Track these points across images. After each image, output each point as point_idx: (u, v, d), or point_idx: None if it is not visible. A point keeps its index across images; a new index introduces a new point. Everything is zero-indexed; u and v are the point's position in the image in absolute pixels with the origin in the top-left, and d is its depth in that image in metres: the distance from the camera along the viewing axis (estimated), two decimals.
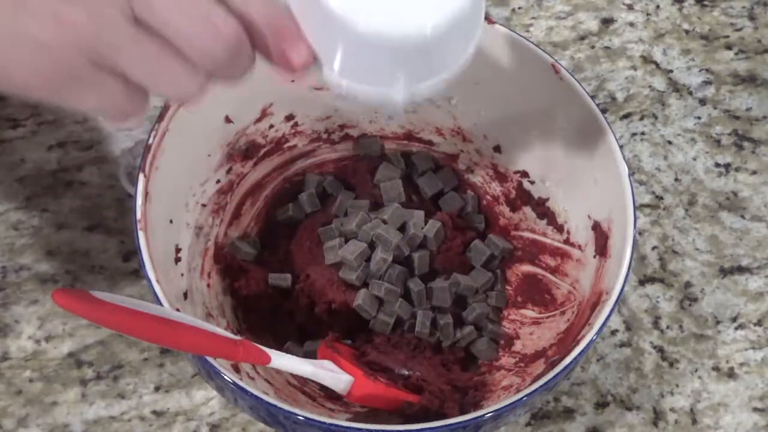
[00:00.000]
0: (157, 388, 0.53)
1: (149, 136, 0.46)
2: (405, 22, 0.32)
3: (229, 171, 0.54)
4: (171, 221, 0.49)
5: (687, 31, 0.71)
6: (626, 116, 0.66)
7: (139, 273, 0.57)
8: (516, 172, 0.56)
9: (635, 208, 0.46)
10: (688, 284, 0.59)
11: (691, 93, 0.67)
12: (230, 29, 0.32)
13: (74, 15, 0.30)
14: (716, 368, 0.56)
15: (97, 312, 0.36)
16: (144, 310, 0.38)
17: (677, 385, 0.55)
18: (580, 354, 0.41)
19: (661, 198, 0.62)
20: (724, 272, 0.60)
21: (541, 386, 0.40)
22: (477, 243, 0.55)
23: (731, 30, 0.71)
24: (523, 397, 0.40)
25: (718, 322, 0.58)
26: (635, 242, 0.45)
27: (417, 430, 0.39)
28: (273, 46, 0.34)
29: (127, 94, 0.33)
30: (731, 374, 0.56)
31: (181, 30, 0.32)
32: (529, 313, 0.54)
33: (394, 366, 0.50)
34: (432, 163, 0.59)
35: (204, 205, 0.53)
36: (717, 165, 0.64)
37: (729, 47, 0.70)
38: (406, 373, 0.50)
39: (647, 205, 0.62)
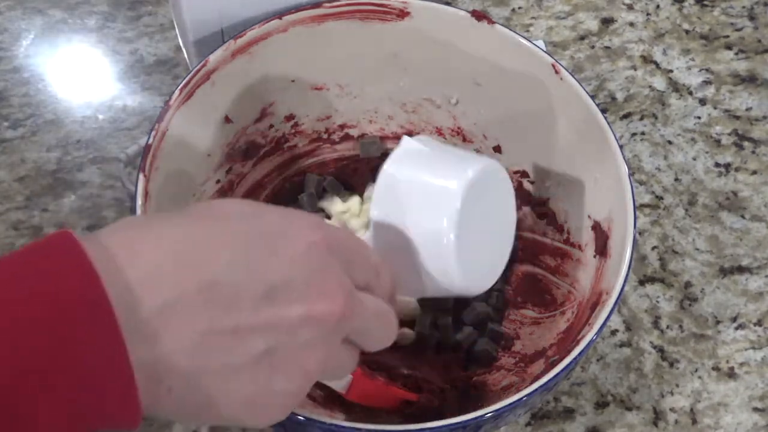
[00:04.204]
0: None
1: (149, 136, 0.46)
2: (483, 284, 0.45)
3: (229, 171, 0.54)
4: None
5: (687, 31, 0.71)
6: (626, 116, 0.66)
7: None
8: (516, 172, 0.56)
9: (635, 208, 0.46)
10: (688, 284, 0.59)
11: (691, 93, 0.68)
12: (397, 322, 0.38)
13: (314, 363, 0.33)
14: (716, 368, 0.56)
15: None
16: None
17: (677, 385, 0.55)
18: (580, 354, 0.41)
19: (661, 198, 0.62)
20: (724, 272, 0.59)
21: (541, 386, 0.40)
22: None
23: (731, 30, 0.71)
24: (523, 397, 0.40)
25: (718, 322, 0.57)
26: (635, 242, 0.45)
27: (417, 430, 0.39)
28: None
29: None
30: (731, 374, 0.56)
31: (374, 341, 0.37)
32: (529, 313, 0.54)
33: (394, 365, 0.50)
34: None
35: None
36: (717, 165, 0.64)
37: (729, 47, 0.70)
38: (406, 372, 0.50)
39: (647, 205, 0.62)
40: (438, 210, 0.41)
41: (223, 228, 0.32)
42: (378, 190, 0.43)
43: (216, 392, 0.31)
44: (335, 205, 0.57)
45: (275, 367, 0.32)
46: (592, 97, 0.50)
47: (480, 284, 0.44)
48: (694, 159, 0.64)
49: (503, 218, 0.46)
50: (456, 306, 0.54)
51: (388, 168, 0.43)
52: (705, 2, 0.73)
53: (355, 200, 0.57)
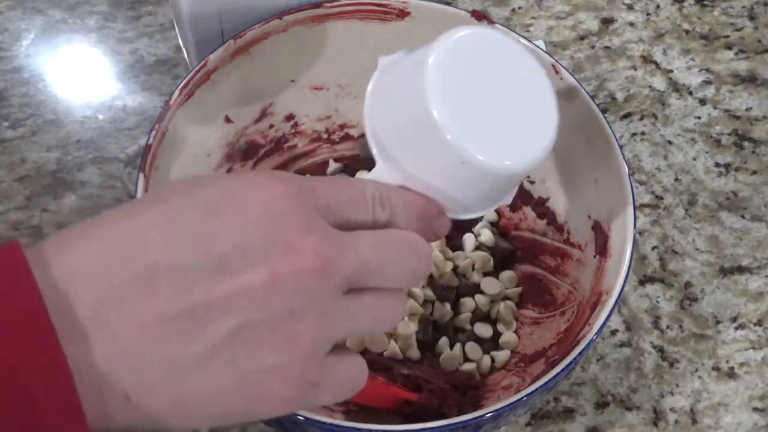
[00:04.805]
0: None
1: (149, 136, 0.46)
2: (525, 156, 0.36)
3: (229, 171, 0.54)
4: None
5: (687, 31, 0.71)
6: (626, 116, 0.66)
7: None
8: None
9: (635, 208, 0.46)
10: (688, 284, 0.59)
11: (691, 93, 0.67)
12: (427, 246, 0.33)
13: (305, 330, 0.29)
14: (716, 368, 0.56)
15: None
16: None
17: (677, 385, 0.55)
18: (580, 354, 0.41)
19: (661, 198, 0.62)
20: (724, 272, 0.59)
21: (541, 386, 0.40)
22: None
23: (731, 30, 0.71)
24: (523, 397, 0.40)
25: (718, 322, 0.57)
26: (635, 242, 0.45)
27: (417, 430, 0.39)
28: (426, 230, 0.35)
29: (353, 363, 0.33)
30: (731, 374, 0.56)
31: (399, 276, 0.32)
32: (529, 313, 0.54)
33: (393, 365, 0.50)
34: None
35: None
36: (717, 165, 0.64)
37: (729, 47, 0.70)
38: (406, 372, 0.50)
39: (647, 205, 0.62)
40: (416, 92, 0.34)
41: (159, 209, 0.28)
42: (366, 107, 0.38)
43: (190, 387, 0.27)
44: None
45: (254, 343, 0.28)
46: (592, 97, 0.50)
47: (515, 158, 0.36)
48: (694, 159, 0.64)
49: (526, 86, 0.38)
50: (454, 306, 0.54)
51: (369, 85, 0.39)
52: (705, 2, 0.73)
53: (365, 176, 0.57)
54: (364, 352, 0.51)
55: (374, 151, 0.37)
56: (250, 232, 0.28)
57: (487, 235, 0.56)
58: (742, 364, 0.56)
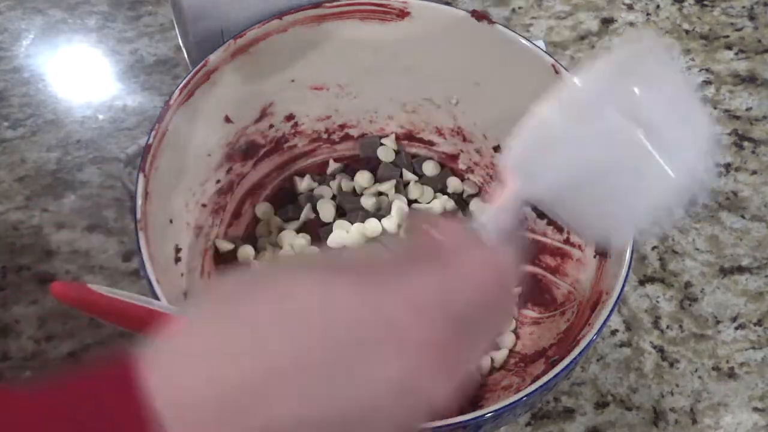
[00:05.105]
0: None
1: (149, 136, 0.46)
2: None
3: (229, 171, 0.54)
4: (171, 221, 0.49)
5: (687, 31, 0.71)
6: None
7: (139, 273, 0.57)
8: None
9: None
10: (688, 284, 0.59)
11: None
12: None
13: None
14: (716, 368, 0.56)
15: (93, 304, 0.36)
16: (141, 303, 0.38)
17: (677, 385, 0.55)
18: (580, 354, 0.41)
19: None
20: (724, 272, 0.59)
21: (541, 386, 0.40)
22: None
23: (731, 30, 0.71)
24: (523, 397, 0.40)
25: (718, 322, 0.57)
26: (635, 242, 0.45)
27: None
28: None
29: None
30: (731, 374, 0.56)
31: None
32: (529, 313, 0.54)
33: None
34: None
35: (204, 205, 0.53)
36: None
37: (729, 47, 0.70)
38: None
39: None
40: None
41: (280, 344, 0.26)
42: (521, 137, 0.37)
43: None
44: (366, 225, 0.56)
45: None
46: None
47: (693, 167, 0.38)
48: None
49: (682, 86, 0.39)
50: None
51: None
52: (705, 2, 0.73)
53: (365, 176, 0.57)
54: None
55: (511, 169, 0.37)
56: (403, 378, 0.28)
57: None
58: (742, 364, 0.56)
